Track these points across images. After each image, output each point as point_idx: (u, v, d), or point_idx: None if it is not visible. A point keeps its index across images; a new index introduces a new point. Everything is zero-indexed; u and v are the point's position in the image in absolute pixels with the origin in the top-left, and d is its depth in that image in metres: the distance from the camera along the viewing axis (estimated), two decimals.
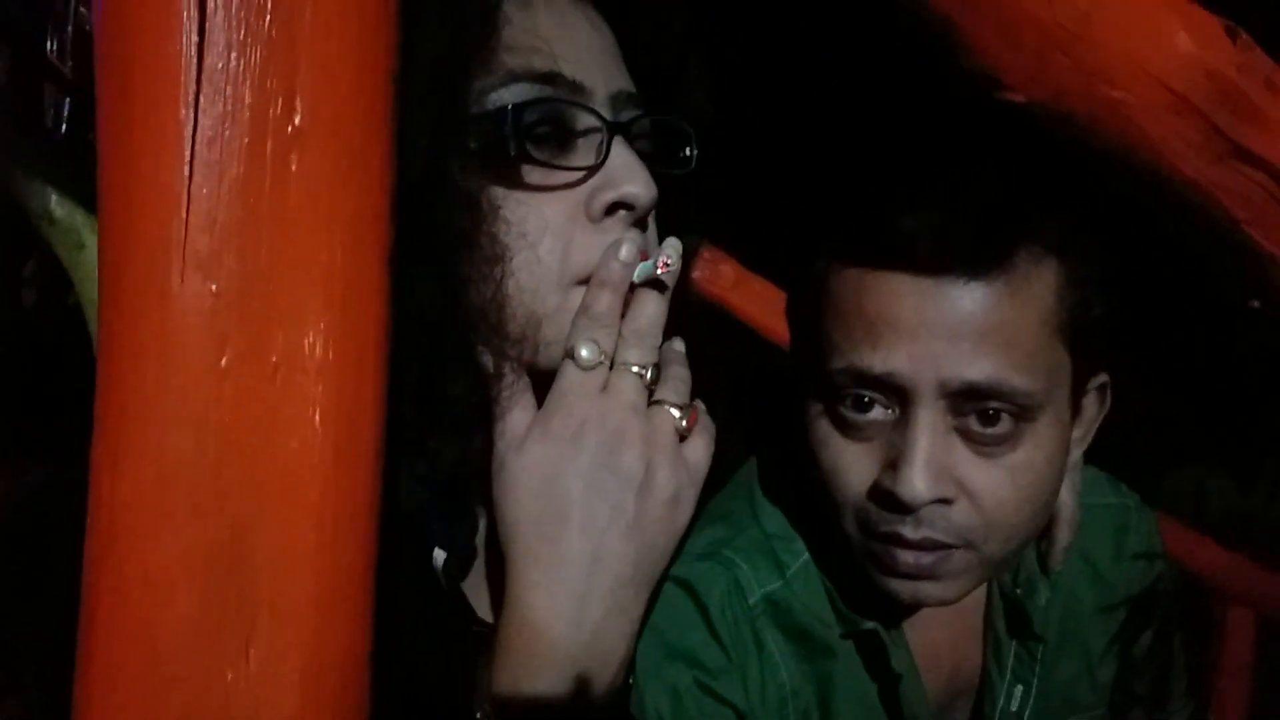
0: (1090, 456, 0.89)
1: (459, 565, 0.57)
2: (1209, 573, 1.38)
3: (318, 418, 0.35)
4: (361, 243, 0.36)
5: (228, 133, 0.34)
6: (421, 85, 0.49)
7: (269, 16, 0.34)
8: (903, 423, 0.62)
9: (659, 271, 0.54)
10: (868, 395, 0.63)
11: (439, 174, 0.50)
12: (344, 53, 0.35)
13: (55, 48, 2.00)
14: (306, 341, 0.35)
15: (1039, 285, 0.60)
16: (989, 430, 0.61)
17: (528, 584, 0.51)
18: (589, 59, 0.56)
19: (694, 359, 0.61)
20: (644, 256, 0.54)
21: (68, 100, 1.87)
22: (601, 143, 0.55)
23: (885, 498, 0.63)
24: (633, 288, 0.55)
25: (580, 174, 0.54)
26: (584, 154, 0.55)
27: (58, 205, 0.81)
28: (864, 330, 0.62)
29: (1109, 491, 0.83)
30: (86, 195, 0.80)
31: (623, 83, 0.58)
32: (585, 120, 0.55)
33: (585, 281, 0.54)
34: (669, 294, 0.56)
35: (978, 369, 0.59)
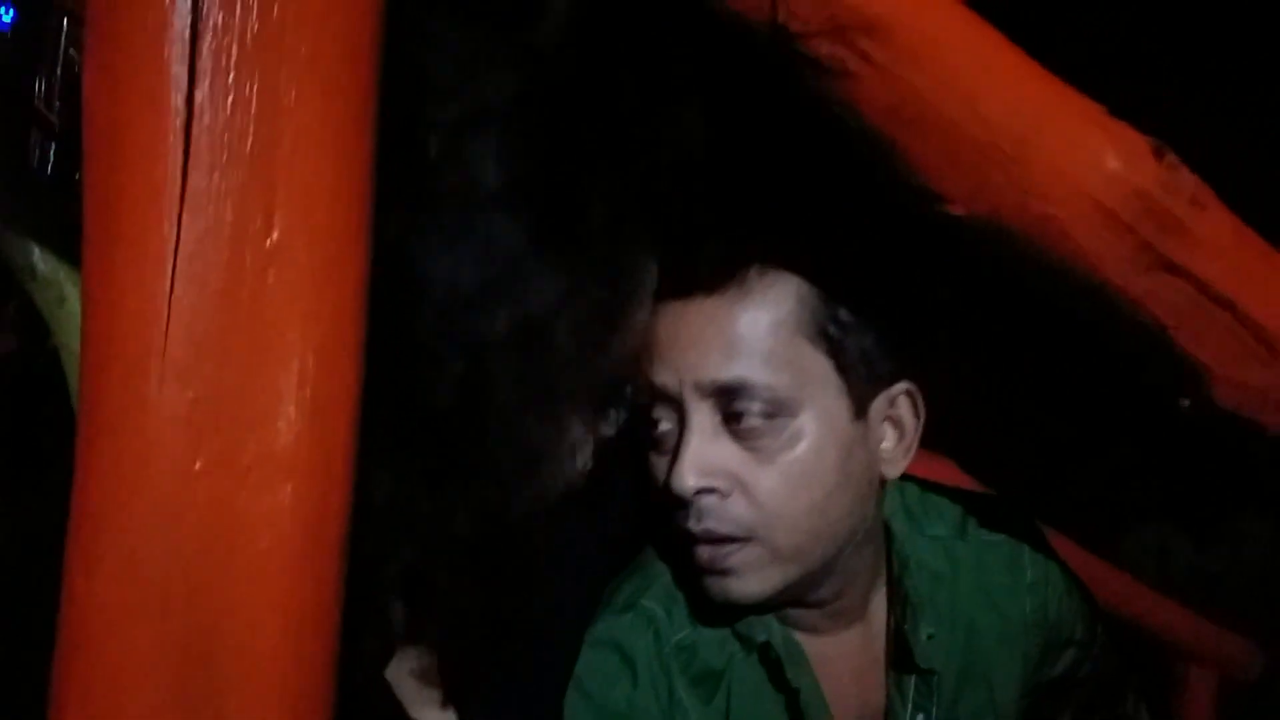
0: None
1: (372, 662, 0.59)
2: (1171, 632, 1.41)
3: (287, 517, 0.37)
4: (335, 349, 0.38)
5: (209, 248, 0.35)
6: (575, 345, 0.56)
7: (251, 139, 0.36)
8: (680, 428, 0.71)
9: None
10: (655, 409, 0.72)
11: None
12: (321, 171, 0.37)
13: (43, 90, 2.02)
14: (279, 444, 0.37)
15: (774, 295, 0.69)
16: (748, 424, 0.69)
17: None
18: None
19: None
20: None
21: (53, 144, 1.88)
22: None
23: (668, 494, 0.70)
24: None
25: None
26: None
27: (40, 260, 0.82)
28: (647, 352, 0.71)
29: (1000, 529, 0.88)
30: (69, 249, 0.81)
31: None
32: None
33: None
34: None
35: (722, 370, 0.68)
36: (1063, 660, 0.90)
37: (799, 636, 0.78)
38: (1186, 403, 0.51)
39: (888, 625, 0.82)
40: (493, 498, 0.56)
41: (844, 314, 0.69)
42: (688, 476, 0.69)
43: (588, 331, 0.58)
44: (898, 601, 0.80)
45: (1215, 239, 0.48)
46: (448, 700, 0.65)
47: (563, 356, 0.56)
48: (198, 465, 0.35)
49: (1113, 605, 1.21)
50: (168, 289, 0.35)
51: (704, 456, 0.69)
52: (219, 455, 0.35)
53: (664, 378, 0.70)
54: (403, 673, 0.63)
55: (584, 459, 0.61)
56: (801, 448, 0.70)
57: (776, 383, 0.68)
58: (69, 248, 0.80)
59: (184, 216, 0.35)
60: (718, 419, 0.70)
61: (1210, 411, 0.51)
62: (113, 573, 0.35)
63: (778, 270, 0.69)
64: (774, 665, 0.76)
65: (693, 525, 0.70)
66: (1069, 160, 0.45)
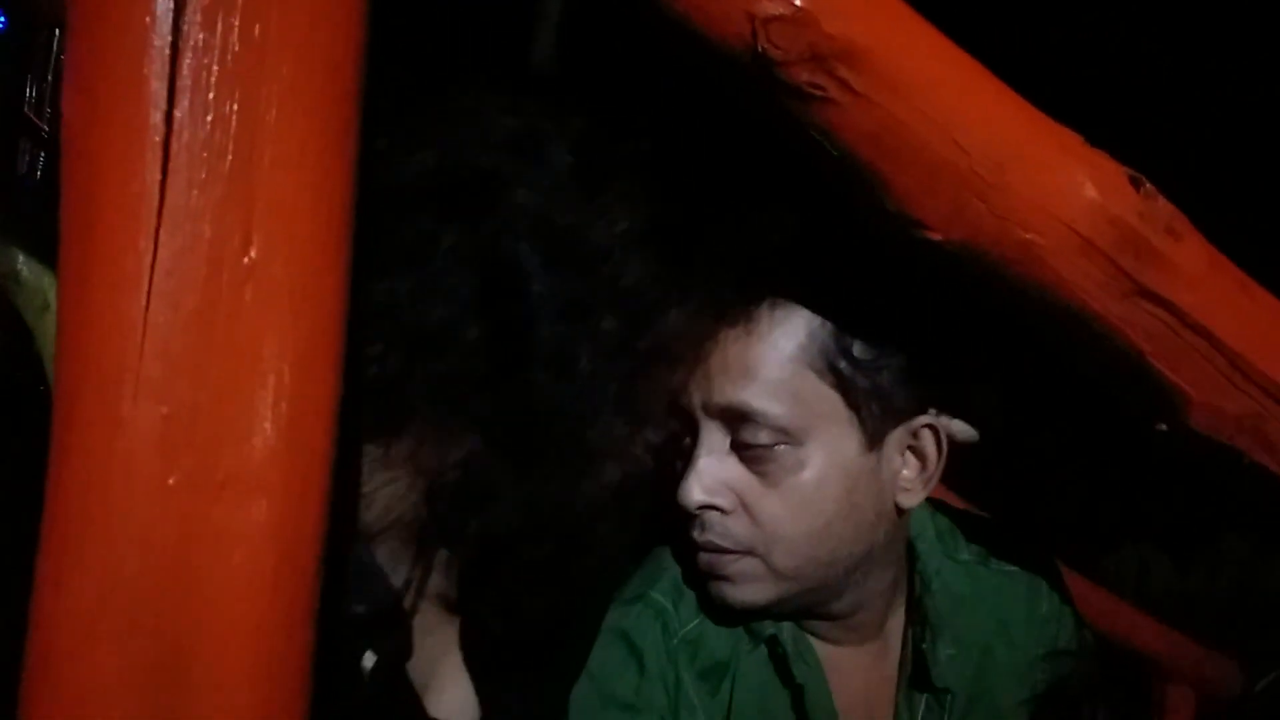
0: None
1: (389, 669, 0.59)
2: (1150, 652, 1.41)
3: (261, 534, 0.36)
4: (312, 366, 0.38)
5: (186, 265, 0.35)
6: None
7: (230, 157, 0.36)
8: (693, 445, 0.74)
9: None
10: (675, 423, 0.74)
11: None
12: (300, 189, 0.37)
13: (33, 97, 2.02)
14: (254, 460, 0.36)
15: (784, 329, 0.71)
16: (755, 449, 0.72)
17: None
18: None
19: None
20: None
21: (42, 151, 1.88)
22: None
23: (676, 505, 0.74)
24: None
25: None
26: None
27: (24, 266, 0.81)
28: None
29: (1022, 562, 0.89)
30: (55, 256, 0.80)
31: None
32: None
33: None
34: None
35: (730, 396, 0.71)
36: (1066, 687, 0.91)
37: (815, 642, 0.80)
38: (1163, 427, 0.51)
39: (903, 643, 0.84)
40: (573, 482, 0.59)
41: (858, 350, 0.71)
42: (694, 492, 0.72)
43: (691, 354, 0.64)
44: (917, 621, 0.82)
45: (1191, 267, 0.49)
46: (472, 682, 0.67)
47: (662, 373, 0.61)
48: (171, 481, 0.35)
49: (1094, 624, 1.22)
50: (144, 305, 0.35)
51: (711, 474, 0.73)
52: (193, 471, 0.35)
53: (683, 396, 0.73)
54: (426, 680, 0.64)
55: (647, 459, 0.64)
56: (805, 475, 0.72)
57: (781, 412, 0.71)
58: (54, 255, 0.79)
59: (161, 233, 0.35)
60: (728, 441, 0.73)
61: (1186, 435, 0.51)
62: (83, 588, 0.35)
63: (790, 305, 0.72)
64: (780, 660, 0.78)
65: (696, 535, 0.74)
66: (1047, 188, 0.46)
